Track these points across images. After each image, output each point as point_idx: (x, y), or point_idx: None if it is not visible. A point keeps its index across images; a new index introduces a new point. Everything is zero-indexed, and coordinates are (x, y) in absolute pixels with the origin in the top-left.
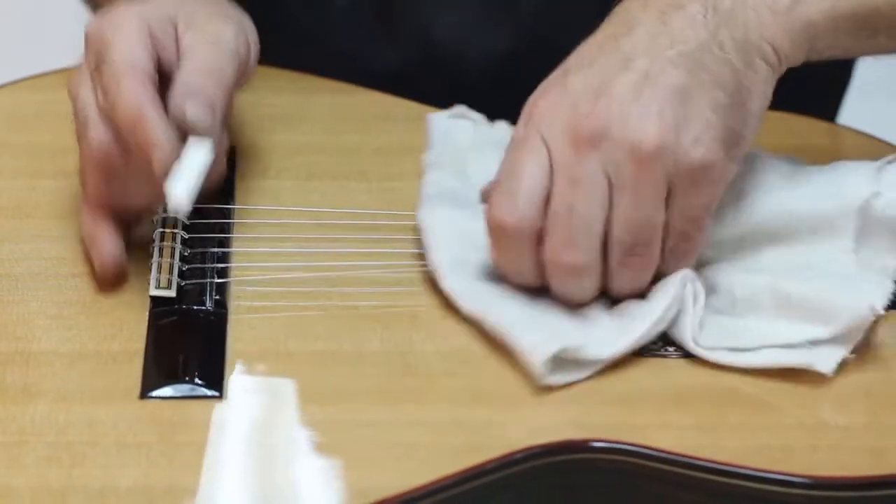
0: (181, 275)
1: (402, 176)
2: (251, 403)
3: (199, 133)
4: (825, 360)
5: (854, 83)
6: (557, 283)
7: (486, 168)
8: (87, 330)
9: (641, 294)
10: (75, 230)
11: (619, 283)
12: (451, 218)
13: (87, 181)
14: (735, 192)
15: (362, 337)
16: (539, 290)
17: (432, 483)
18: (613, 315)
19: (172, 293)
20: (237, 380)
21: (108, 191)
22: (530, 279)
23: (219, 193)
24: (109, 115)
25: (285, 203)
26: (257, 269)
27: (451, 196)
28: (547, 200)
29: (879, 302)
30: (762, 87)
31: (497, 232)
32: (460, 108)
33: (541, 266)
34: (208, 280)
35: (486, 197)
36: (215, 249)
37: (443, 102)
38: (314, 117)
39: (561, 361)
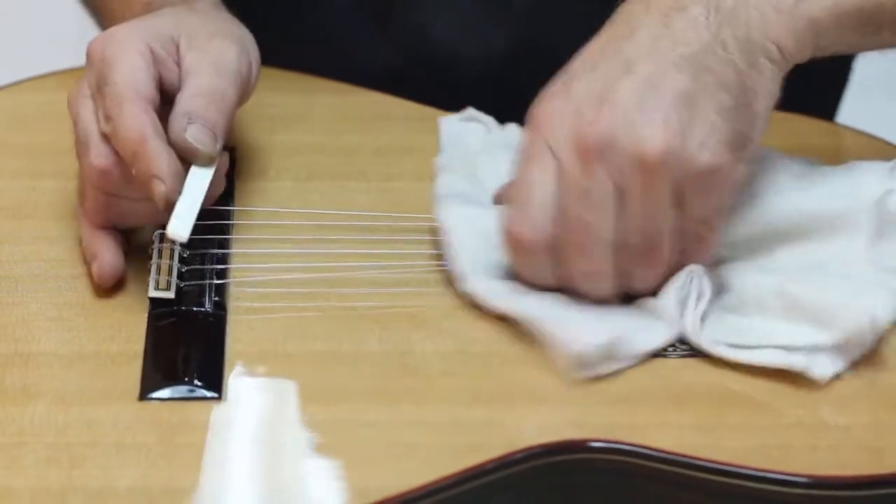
0: (180, 276)
1: (401, 176)
2: (257, 402)
3: (200, 157)
4: (822, 366)
5: (853, 81)
6: (577, 286)
7: (496, 171)
8: (87, 331)
9: (654, 292)
10: (75, 231)
11: (633, 284)
12: (470, 217)
13: (87, 198)
14: (748, 192)
15: (361, 337)
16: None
17: (432, 483)
18: (641, 309)
19: (171, 294)
20: (240, 380)
21: (107, 208)
22: (551, 282)
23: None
24: (111, 139)
25: (285, 203)
26: (256, 270)
27: (463, 198)
28: (559, 208)
29: (882, 312)
30: (768, 86)
31: (514, 245)
32: (471, 111)
33: (558, 271)
34: (207, 281)
35: (498, 200)
36: (214, 251)
37: (441, 102)
38: (314, 117)
39: (600, 354)
